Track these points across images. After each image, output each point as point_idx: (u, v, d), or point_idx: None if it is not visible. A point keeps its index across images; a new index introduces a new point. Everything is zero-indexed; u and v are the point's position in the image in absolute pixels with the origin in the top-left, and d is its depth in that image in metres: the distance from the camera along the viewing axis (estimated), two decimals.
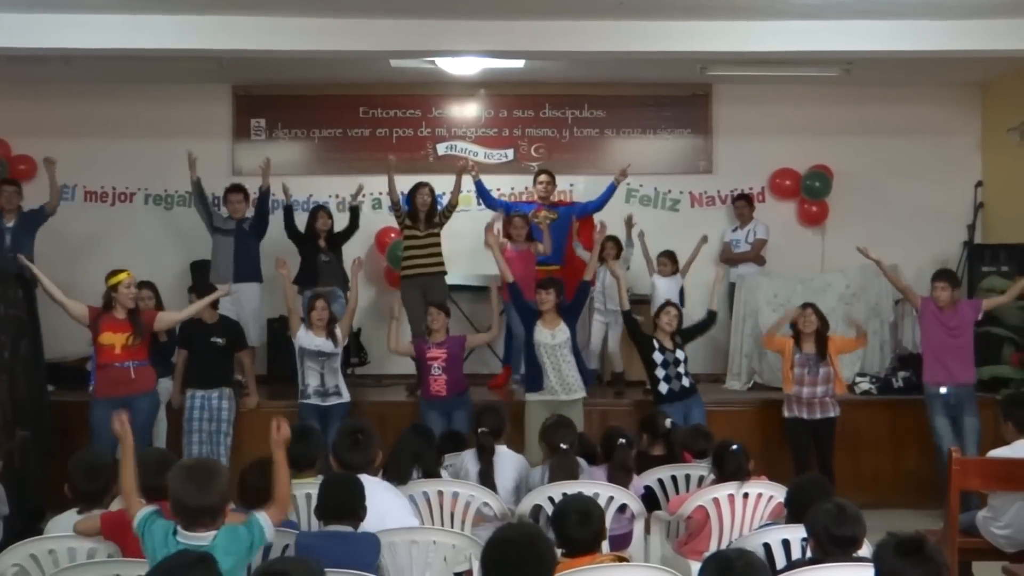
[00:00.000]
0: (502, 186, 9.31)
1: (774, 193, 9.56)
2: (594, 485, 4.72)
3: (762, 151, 9.45)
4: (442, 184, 8.41)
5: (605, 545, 4.03)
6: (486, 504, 4.74)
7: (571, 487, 4.52)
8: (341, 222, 8.45)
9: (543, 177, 8.39)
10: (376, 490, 4.08)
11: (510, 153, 9.58)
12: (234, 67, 8.58)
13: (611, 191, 8.25)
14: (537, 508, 4.65)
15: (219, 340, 7.05)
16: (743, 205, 9.16)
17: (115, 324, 6.41)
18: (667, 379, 6.88)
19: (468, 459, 5.23)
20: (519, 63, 8.52)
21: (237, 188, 8.32)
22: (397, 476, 4.69)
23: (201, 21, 7.02)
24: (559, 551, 3.45)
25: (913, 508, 6.97)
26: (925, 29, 7.12)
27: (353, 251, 8.20)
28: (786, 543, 4.03)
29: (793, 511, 4.10)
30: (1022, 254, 8.40)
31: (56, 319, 7.00)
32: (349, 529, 3.75)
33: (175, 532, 3.32)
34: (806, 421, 6.93)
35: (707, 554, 3.22)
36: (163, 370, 6.97)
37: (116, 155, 9.26)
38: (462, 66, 8.61)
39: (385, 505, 4.09)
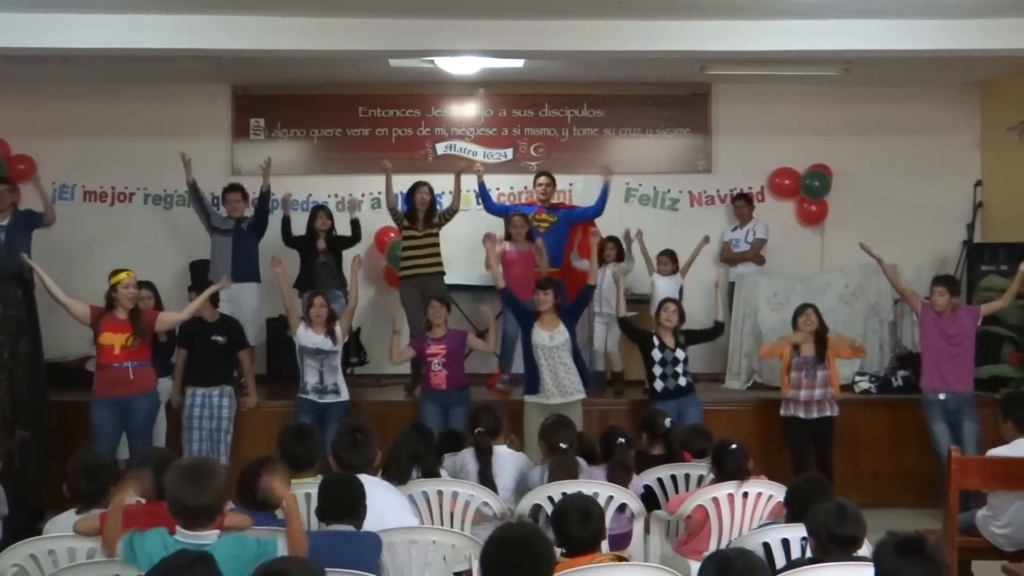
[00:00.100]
0: (501, 186, 9.32)
1: (773, 192, 9.56)
2: (594, 485, 4.72)
3: (761, 150, 9.45)
4: (441, 184, 8.42)
5: (605, 545, 4.03)
6: (486, 504, 4.74)
7: (571, 487, 4.51)
8: (341, 222, 8.45)
9: (543, 179, 8.37)
10: (376, 490, 4.07)
11: (509, 153, 9.58)
12: (233, 67, 8.58)
13: (605, 192, 8.23)
14: (536, 508, 4.65)
15: (220, 338, 7.05)
16: (742, 204, 9.16)
17: (116, 324, 6.41)
18: (663, 377, 6.89)
19: (468, 458, 5.23)
20: (518, 63, 8.52)
21: (235, 187, 8.32)
22: (397, 476, 4.69)
23: (200, 21, 7.02)
24: (559, 551, 3.45)
25: (912, 507, 6.97)
26: (924, 28, 7.12)
27: (352, 250, 8.19)
28: (785, 542, 4.03)
29: (793, 510, 4.10)
30: (1021, 253, 8.37)
31: (56, 319, 7.01)
32: (351, 528, 3.75)
33: (172, 534, 3.31)
34: (803, 420, 6.92)
35: (706, 553, 3.21)
36: (162, 370, 6.96)
37: (115, 155, 9.26)
38: (461, 66, 8.61)
39: (384, 505, 4.09)
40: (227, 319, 7.24)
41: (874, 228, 8.55)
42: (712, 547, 4.55)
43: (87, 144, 9.23)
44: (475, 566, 3.88)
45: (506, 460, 5.27)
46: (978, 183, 9.44)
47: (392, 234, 8.88)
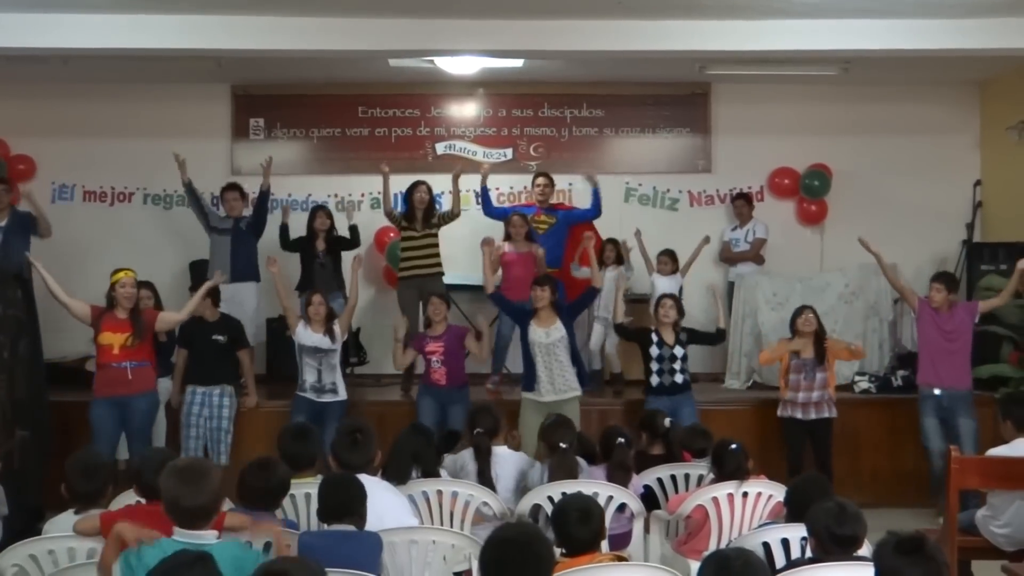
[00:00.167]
0: (501, 186, 9.30)
1: (773, 192, 9.55)
2: (593, 484, 4.72)
3: (761, 150, 9.45)
4: (442, 184, 8.41)
5: (604, 545, 4.03)
6: (485, 504, 4.74)
7: (570, 486, 4.52)
8: (340, 222, 8.44)
9: (541, 180, 8.35)
10: (375, 490, 4.07)
11: (509, 152, 9.57)
12: (233, 67, 8.58)
13: (596, 195, 8.21)
14: (536, 508, 4.65)
15: (220, 338, 7.05)
16: (742, 204, 9.16)
17: (115, 324, 6.41)
18: (659, 372, 6.91)
19: (468, 458, 5.23)
20: (518, 62, 8.52)
21: (233, 187, 8.31)
22: (396, 476, 4.69)
23: (200, 21, 7.02)
24: (558, 551, 3.45)
25: (912, 507, 6.98)
26: (923, 28, 7.12)
27: (352, 252, 8.18)
28: (785, 542, 4.03)
29: (793, 510, 4.10)
30: (1021, 253, 8.37)
31: (55, 319, 7.01)
32: (352, 528, 3.75)
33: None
34: (801, 421, 6.91)
35: (706, 553, 3.22)
36: (162, 370, 6.96)
37: (115, 155, 9.25)
38: (461, 65, 8.61)
39: (384, 505, 4.09)
40: (228, 319, 7.24)
41: (874, 228, 8.52)
42: (712, 547, 4.55)
43: (87, 144, 9.22)
44: (475, 566, 3.88)
45: (506, 460, 5.27)
46: (978, 183, 9.44)
47: (392, 234, 8.88)
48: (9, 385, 6.50)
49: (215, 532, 3.29)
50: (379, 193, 8.90)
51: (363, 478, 4.02)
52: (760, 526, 4.50)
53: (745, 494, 4.72)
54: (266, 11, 7.00)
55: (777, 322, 8.08)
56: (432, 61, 8.42)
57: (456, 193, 8.01)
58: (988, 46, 7.23)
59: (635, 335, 7.08)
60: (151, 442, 6.68)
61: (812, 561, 3.47)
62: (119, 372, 6.40)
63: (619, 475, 5.03)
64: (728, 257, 9.12)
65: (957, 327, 6.92)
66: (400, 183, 8.18)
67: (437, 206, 8.29)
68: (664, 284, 8.18)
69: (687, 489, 5.16)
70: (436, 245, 7.96)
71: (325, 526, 3.84)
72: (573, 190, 9.37)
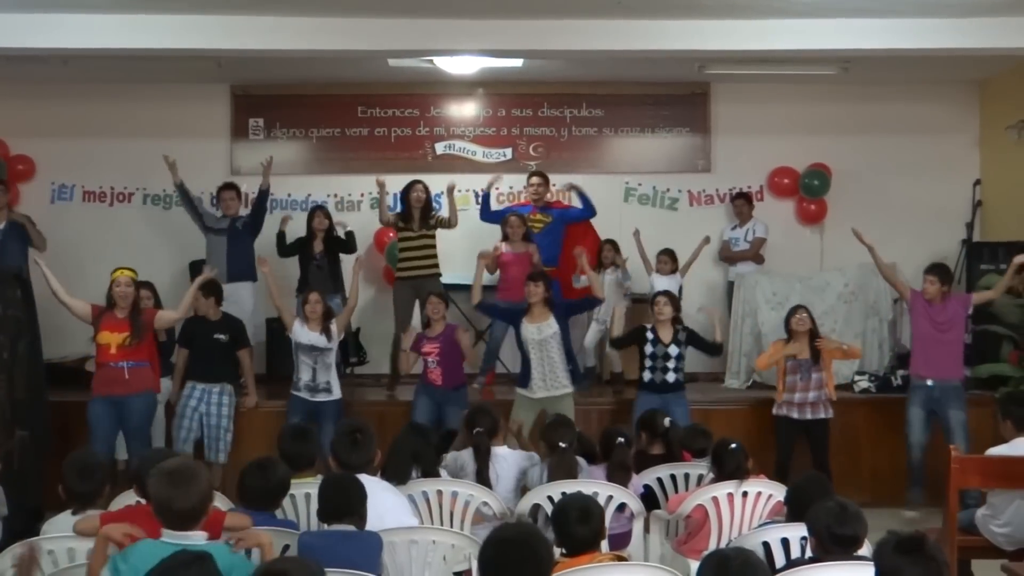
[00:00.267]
0: (500, 185, 9.28)
1: (773, 192, 9.56)
2: (593, 484, 4.72)
3: (761, 150, 9.45)
4: (441, 184, 8.41)
5: (604, 544, 4.03)
6: (485, 503, 4.74)
7: (570, 486, 4.52)
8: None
9: (535, 179, 8.35)
10: (375, 490, 4.07)
11: (508, 152, 9.57)
12: (232, 67, 8.58)
13: (583, 197, 8.22)
14: (536, 507, 4.65)
15: (222, 337, 7.05)
16: (742, 204, 9.17)
17: (114, 324, 6.40)
18: (651, 369, 6.89)
19: (468, 458, 5.23)
20: (517, 62, 8.52)
21: (230, 186, 8.31)
22: (396, 476, 4.69)
23: (200, 21, 7.02)
24: (558, 550, 3.45)
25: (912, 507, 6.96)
26: (923, 27, 7.12)
27: (350, 255, 8.18)
28: (785, 542, 4.03)
29: (793, 510, 4.10)
30: (1020, 252, 8.37)
31: (55, 319, 7.01)
32: (352, 528, 3.75)
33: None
34: (795, 421, 6.90)
35: (706, 553, 3.22)
36: (162, 369, 6.95)
37: (114, 155, 9.25)
38: (460, 65, 8.61)
39: (384, 505, 4.09)
40: (229, 318, 7.24)
41: (873, 227, 8.48)
42: (712, 546, 4.55)
43: (86, 144, 9.22)
44: (475, 566, 3.88)
45: (506, 460, 5.26)
46: (977, 182, 9.44)
47: (391, 234, 8.88)
48: (9, 385, 6.49)
49: (204, 534, 3.27)
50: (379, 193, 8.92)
51: (363, 478, 4.02)
52: (760, 525, 4.50)
53: (745, 494, 4.71)
54: (266, 11, 7.00)
55: (777, 322, 8.04)
56: (432, 61, 8.42)
57: (453, 206, 8.01)
58: (988, 46, 7.23)
59: (629, 337, 7.05)
60: (150, 442, 6.67)
61: (812, 561, 3.48)
62: (116, 372, 6.39)
63: (619, 475, 5.03)
64: (728, 256, 9.12)
65: (950, 319, 6.92)
66: (400, 183, 8.17)
67: (436, 206, 8.28)
68: (663, 283, 8.17)
69: (687, 489, 5.16)
70: (433, 246, 7.96)
71: (325, 526, 3.84)
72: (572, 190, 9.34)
